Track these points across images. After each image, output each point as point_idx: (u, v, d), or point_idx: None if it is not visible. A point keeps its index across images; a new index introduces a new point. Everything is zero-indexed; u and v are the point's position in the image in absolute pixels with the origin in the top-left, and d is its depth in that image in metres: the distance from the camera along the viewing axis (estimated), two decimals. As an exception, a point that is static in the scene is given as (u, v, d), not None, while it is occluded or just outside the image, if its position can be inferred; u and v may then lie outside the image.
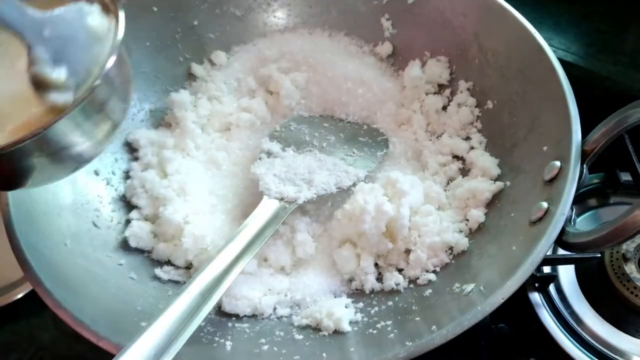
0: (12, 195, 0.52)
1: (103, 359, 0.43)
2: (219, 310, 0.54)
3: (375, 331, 0.49)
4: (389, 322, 0.50)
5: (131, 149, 0.67)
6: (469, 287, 0.48)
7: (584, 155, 0.49)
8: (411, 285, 0.55)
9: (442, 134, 0.67)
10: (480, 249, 0.54)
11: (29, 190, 0.54)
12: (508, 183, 0.57)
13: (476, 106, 0.66)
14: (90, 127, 0.43)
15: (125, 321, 0.49)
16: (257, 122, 0.70)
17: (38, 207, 0.54)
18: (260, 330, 0.52)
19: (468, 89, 0.67)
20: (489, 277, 0.48)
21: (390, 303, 0.53)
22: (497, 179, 0.59)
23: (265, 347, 0.49)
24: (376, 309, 0.53)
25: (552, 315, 0.61)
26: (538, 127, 0.56)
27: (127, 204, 0.63)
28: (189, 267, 0.58)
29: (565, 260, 0.63)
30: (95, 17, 0.43)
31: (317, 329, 0.51)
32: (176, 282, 0.57)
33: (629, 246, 0.63)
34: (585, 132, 0.50)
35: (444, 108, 0.69)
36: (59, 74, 0.40)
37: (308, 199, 0.59)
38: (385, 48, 0.74)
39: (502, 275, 0.45)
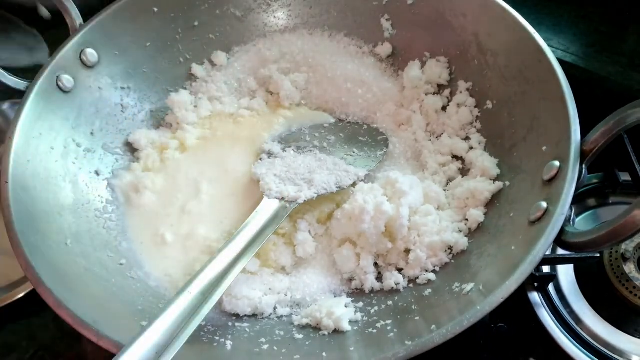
0: (12, 195, 0.52)
1: (104, 358, 0.43)
2: (219, 310, 0.54)
3: (375, 330, 0.49)
4: (388, 322, 0.50)
5: (132, 149, 0.67)
6: (469, 286, 0.48)
7: (583, 155, 0.49)
8: (411, 285, 0.55)
9: (442, 134, 0.67)
10: (479, 248, 0.54)
11: (30, 190, 0.54)
12: (507, 183, 0.57)
13: (476, 106, 0.66)
14: None
15: (126, 320, 0.49)
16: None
17: (39, 207, 0.54)
18: (260, 329, 0.52)
19: (467, 90, 0.67)
20: (488, 277, 0.48)
21: (390, 302, 0.53)
22: (497, 179, 0.59)
23: (266, 347, 0.49)
24: (376, 308, 0.53)
25: (551, 314, 0.61)
26: (537, 127, 0.56)
27: (128, 203, 0.63)
28: (189, 266, 0.59)
29: (564, 260, 0.63)
30: None
31: (317, 328, 0.51)
32: (177, 282, 0.57)
33: (628, 246, 0.63)
34: (584, 132, 0.50)
35: (444, 108, 0.69)
36: None
37: (308, 198, 0.59)
38: (385, 48, 0.74)
39: (501, 275, 0.45)
